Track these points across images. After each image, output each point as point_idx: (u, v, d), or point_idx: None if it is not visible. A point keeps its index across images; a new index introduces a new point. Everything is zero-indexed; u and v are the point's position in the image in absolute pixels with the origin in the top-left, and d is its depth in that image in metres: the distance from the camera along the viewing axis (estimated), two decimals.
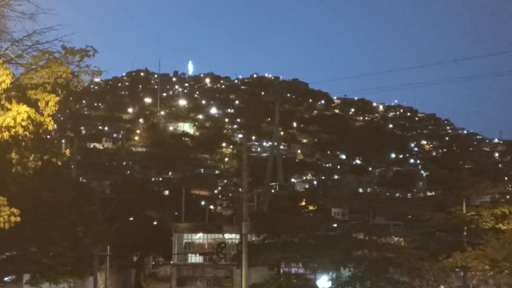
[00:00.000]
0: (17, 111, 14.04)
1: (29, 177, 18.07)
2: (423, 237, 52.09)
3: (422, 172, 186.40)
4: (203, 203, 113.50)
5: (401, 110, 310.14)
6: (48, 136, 17.50)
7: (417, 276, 42.12)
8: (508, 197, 50.11)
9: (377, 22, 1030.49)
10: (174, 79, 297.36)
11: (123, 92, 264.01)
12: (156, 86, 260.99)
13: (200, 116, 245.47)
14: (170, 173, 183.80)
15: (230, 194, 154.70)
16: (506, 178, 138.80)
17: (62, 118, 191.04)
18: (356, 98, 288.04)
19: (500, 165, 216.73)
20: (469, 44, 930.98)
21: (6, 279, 45.22)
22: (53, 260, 30.28)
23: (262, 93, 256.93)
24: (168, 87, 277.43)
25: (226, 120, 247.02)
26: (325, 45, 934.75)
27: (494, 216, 45.62)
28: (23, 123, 14.08)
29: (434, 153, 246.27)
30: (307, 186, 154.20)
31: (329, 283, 46.49)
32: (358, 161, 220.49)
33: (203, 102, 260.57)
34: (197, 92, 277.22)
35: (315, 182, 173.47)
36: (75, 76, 16.42)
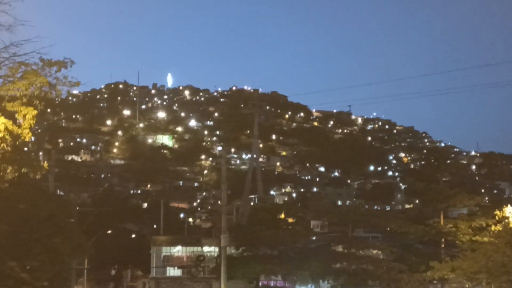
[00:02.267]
0: None
1: (4, 189, 17.82)
2: (402, 249, 52.30)
3: (401, 184, 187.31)
4: (182, 215, 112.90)
5: (380, 123, 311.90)
6: (26, 148, 17.29)
7: None
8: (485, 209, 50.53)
9: (356, 35, 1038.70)
10: (153, 91, 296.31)
11: (101, 104, 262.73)
12: (135, 98, 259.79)
13: (179, 129, 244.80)
14: (149, 185, 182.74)
15: (209, 207, 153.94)
16: (483, 190, 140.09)
17: (39, 130, 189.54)
18: (335, 111, 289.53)
19: (477, 178, 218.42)
20: (448, 57, 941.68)
21: None
22: (30, 274, 29.79)
23: (242, 105, 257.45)
24: (147, 99, 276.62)
25: (205, 132, 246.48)
26: (304, 58, 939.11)
27: (472, 228, 45.97)
28: (0, 134, 13.91)
29: (412, 166, 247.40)
30: (286, 199, 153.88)
31: None
32: (337, 174, 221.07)
33: (182, 114, 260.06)
34: (176, 105, 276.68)
35: (294, 195, 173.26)
36: (53, 87, 16.26)
